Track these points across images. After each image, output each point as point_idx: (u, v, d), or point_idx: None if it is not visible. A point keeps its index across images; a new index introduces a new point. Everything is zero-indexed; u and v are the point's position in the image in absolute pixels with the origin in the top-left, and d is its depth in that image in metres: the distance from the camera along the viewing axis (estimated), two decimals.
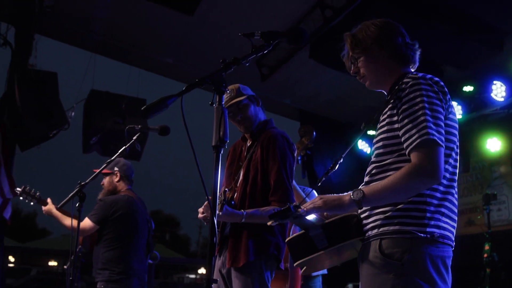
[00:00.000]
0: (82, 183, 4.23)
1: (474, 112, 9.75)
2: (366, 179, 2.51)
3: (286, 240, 2.60)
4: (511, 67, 9.02)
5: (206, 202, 3.27)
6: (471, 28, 8.29)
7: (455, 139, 2.46)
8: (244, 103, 3.67)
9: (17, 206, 50.43)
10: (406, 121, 2.33)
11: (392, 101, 2.45)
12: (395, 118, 2.41)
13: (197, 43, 10.19)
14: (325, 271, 5.09)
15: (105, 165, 4.39)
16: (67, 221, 4.98)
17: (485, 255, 7.96)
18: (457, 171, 2.49)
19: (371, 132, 2.63)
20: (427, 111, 2.29)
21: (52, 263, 36.14)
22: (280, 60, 10.17)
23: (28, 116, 8.19)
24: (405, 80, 2.42)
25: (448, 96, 2.44)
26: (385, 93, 2.63)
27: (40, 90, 8.38)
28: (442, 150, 2.28)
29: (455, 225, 2.44)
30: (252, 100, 3.74)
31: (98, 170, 4.34)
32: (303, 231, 2.48)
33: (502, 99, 9.07)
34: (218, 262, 3.59)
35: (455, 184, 2.46)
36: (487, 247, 8.00)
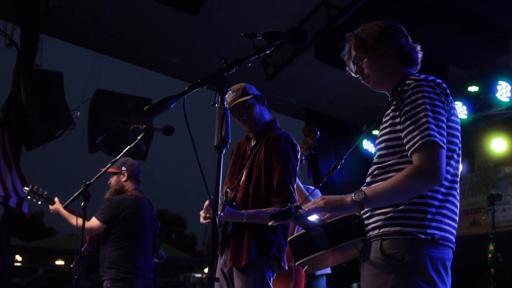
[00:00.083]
0: (87, 183, 4.27)
1: (479, 112, 9.73)
2: (368, 180, 2.52)
3: (288, 240, 2.61)
4: None
5: (207, 202, 3.29)
6: (476, 28, 8.27)
7: (457, 141, 2.47)
8: (250, 102, 3.68)
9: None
10: (408, 122, 2.34)
11: (394, 102, 2.46)
12: (398, 120, 2.42)
13: (202, 43, 10.21)
14: (329, 271, 5.10)
15: (109, 164, 4.42)
16: (75, 220, 5.01)
17: (490, 256, 7.94)
18: (459, 172, 2.49)
19: (376, 132, 2.63)
20: (429, 113, 2.30)
21: (59, 262, 36.23)
22: (285, 60, 10.17)
23: (34, 116, 8.23)
24: (408, 81, 2.43)
25: (451, 97, 2.44)
26: (388, 94, 2.63)
27: (46, 90, 8.41)
28: (444, 151, 2.28)
29: (456, 226, 2.45)
30: (257, 100, 3.74)
31: (103, 170, 4.38)
32: (304, 230, 2.50)
33: (507, 100, 9.03)
34: (220, 261, 3.60)
35: (457, 186, 2.47)
36: (491, 247, 7.99)
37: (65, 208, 5.03)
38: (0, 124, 8.72)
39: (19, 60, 9.14)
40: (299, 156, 3.69)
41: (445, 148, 2.30)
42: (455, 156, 2.45)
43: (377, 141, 2.55)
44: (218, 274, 3.60)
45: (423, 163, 2.25)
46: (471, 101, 9.50)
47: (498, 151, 10.00)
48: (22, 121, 8.49)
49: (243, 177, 3.65)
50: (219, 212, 3.15)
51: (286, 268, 3.62)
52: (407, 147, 2.33)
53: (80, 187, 4.27)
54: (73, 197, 4.36)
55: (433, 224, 2.31)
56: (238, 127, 3.86)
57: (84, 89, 10.06)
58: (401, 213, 2.33)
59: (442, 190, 2.38)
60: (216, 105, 2.28)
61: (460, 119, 7.93)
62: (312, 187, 5.01)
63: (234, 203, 3.46)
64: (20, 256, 34.93)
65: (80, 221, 4.65)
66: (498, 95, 9.04)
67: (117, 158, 4.38)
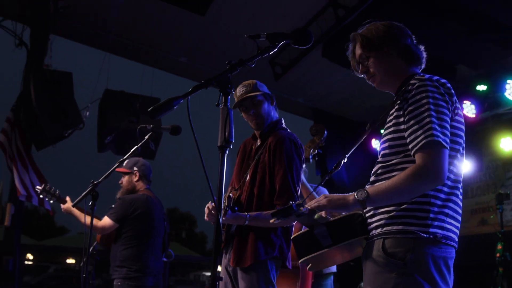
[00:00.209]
0: (95, 182, 4.30)
1: (487, 112, 9.70)
2: (372, 178, 2.53)
3: (292, 238, 2.62)
4: None
5: (210, 203, 3.31)
6: (484, 28, 8.25)
7: (461, 141, 2.47)
8: (259, 99, 3.70)
9: (35, 205, 50.84)
10: (411, 122, 2.35)
11: (398, 102, 2.47)
12: (402, 119, 2.42)
13: (210, 43, 10.25)
14: (334, 269, 5.11)
15: (117, 164, 4.44)
16: (87, 219, 5.06)
17: (498, 255, 7.90)
18: (462, 172, 2.50)
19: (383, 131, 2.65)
20: (433, 113, 2.31)
21: (70, 260, 36.39)
22: (293, 59, 10.18)
23: (44, 115, 8.28)
24: (412, 81, 2.43)
25: (455, 97, 2.44)
26: (393, 94, 2.64)
27: (55, 90, 8.46)
28: (447, 151, 2.29)
29: (459, 225, 2.45)
30: (266, 98, 3.76)
31: (111, 169, 4.41)
32: (308, 228, 2.52)
33: None
34: (224, 260, 3.63)
35: (460, 186, 2.47)
36: (499, 246, 7.94)
37: (75, 207, 5.07)
38: (10, 124, 8.78)
39: (29, 60, 9.21)
40: (303, 157, 3.70)
41: (448, 148, 2.30)
42: (459, 156, 2.45)
43: (381, 140, 2.57)
44: (222, 272, 3.63)
45: (425, 163, 2.25)
46: (480, 100, 9.47)
47: (506, 150, 9.92)
48: (32, 121, 8.55)
49: (248, 178, 3.66)
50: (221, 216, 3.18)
51: (290, 267, 3.63)
52: (410, 146, 2.34)
53: (88, 186, 4.31)
54: (81, 196, 4.40)
55: (436, 223, 2.32)
56: (243, 127, 3.89)
57: (93, 89, 10.13)
58: (404, 212, 2.34)
59: (445, 189, 2.38)
60: (220, 105, 2.30)
61: (469, 118, 7.89)
62: (320, 187, 5.02)
63: (236, 208, 3.46)
64: (32, 254, 35.11)
65: (89, 220, 4.72)
66: (506, 94, 9.00)
67: (124, 157, 4.41)
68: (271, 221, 2.37)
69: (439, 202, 2.35)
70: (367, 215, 2.49)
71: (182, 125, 4.09)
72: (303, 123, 12.19)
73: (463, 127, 2.50)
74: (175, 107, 2.24)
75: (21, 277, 10.50)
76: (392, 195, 2.33)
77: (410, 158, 2.35)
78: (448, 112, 2.37)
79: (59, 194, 5.22)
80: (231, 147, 2.29)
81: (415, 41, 2.66)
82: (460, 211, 2.47)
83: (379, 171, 2.50)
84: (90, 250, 5.33)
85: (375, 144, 10.62)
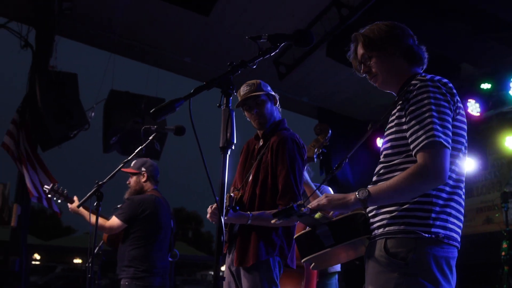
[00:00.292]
0: (100, 183, 4.33)
1: (492, 110, 9.68)
2: (374, 178, 2.53)
3: (294, 237, 2.64)
4: None
5: (214, 205, 3.33)
6: (487, 26, 8.23)
7: (463, 140, 2.48)
8: (262, 98, 3.72)
9: (42, 205, 50.96)
10: (413, 122, 2.36)
11: (400, 102, 2.48)
12: (403, 120, 2.43)
13: (214, 43, 10.27)
14: (339, 268, 5.12)
15: (122, 164, 4.47)
16: (93, 219, 5.08)
17: (503, 253, 7.89)
18: (465, 171, 2.50)
19: None
20: (434, 113, 2.32)
21: (77, 260, 36.47)
22: (297, 59, 10.19)
23: (49, 116, 8.31)
24: (413, 82, 2.44)
25: (457, 97, 2.45)
26: (394, 94, 2.65)
27: (61, 91, 8.50)
28: (448, 152, 2.29)
29: (461, 225, 2.45)
30: (270, 98, 3.78)
31: (115, 170, 4.44)
32: (310, 228, 2.53)
33: None
34: (227, 260, 3.65)
35: (462, 185, 2.47)
36: (505, 245, 7.93)
37: (82, 207, 5.09)
38: (16, 125, 8.82)
39: (34, 62, 9.23)
40: (305, 157, 3.71)
41: (450, 148, 2.31)
42: (461, 155, 2.46)
43: (383, 140, 2.57)
44: (226, 272, 3.66)
45: (426, 163, 2.26)
46: (484, 99, 9.45)
47: (511, 149, 9.92)
48: (37, 122, 8.58)
49: (250, 178, 3.68)
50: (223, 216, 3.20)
51: (294, 267, 3.65)
52: (412, 146, 2.34)
53: (93, 187, 4.34)
54: (86, 197, 4.43)
55: (438, 223, 2.32)
56: (246, 127, 3.90)
57: (98, 90, 10.15)
58: (406, 212, 2.35)
59: (447, 189, 2.39)
60: (222, 107, 2.31)
61: (473, 116, 7.87)
62: (325, 186, 5.03)
63: (238, 208, 3.48)
64: (39, 254, 35.22)
65: (100, 219, 4.78)
66: (511, 92, 8.98)
67: (129, 158, 4.43)
68: (273, 221, 2.38)
69: (441, 202, 2.36)
70: (370, 215, 2.49)
71: (187, 125, 4.11)
72: (308, 122, 12.19)
73: (465, 127, 2.50)
74: (177, 109, 2.26)
75: (27, 277, 10.55)
76: (393, 194, 2.34)
77: (412, 158, 2.35)
78: (449, 112, 2.38)
79: (67, 194, 5.24)
80: (233, 148, 2.31)
81: (417, 41, 2.66)
82: (463, 211, 2.46)
83: (381, 171, 2.51)
84: (96, 250, 5.36)
85: (380, 143, 10.59)
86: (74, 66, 10.47)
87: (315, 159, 4.89)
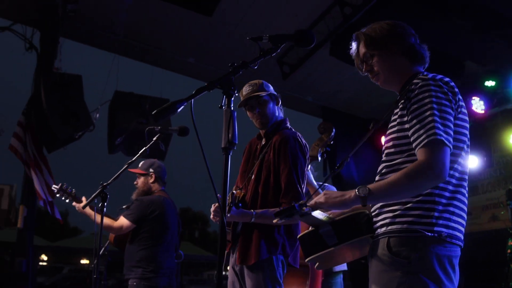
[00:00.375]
0: (104, 184, 4.34)
1: (496, 107, 9.66)
2: (377, 178, 2.54)
3: (298, 237, 2.64)
4: None
5: (216, 204, 3.35)
6: (491, 23, 8.22)
7: (465, 139, 2.47)
8: (265, 98, 3.75)
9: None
10: (414, 121, 2.36)
11: (402, 101, 2.49)
12: (405, 119, 2.44)
13: (217, 43, 10.28)
14: (345, 267, 5.12)
15: (126, 165, 4.47)
16: (98, 219, 5.10)
17: (509, 251, 7.89)
18: (468, 170, 2.50)
19: None
20: (436, 112, 2.32)
21: (84, 261, 36.58)
22: (301, 58, 10.19)
23: (54, 118, 8.34)
24: (415, 80, 2.45)
25: (459, 96, 2.45)
26: (397, 93, 2.65)
27: (65, 93, 8.52)
28: (448, 150, 2.29)
29: (465, 224, 2.45)
30: (272, 98, 3.81)
31: (120, 171, 4.45)
32: (313, 228, 2.54)
33: None
34: (231, 259, 3.66)
35: (465, 183, 2.47)
36: (510, 242, 7.92)
37: (90, 207, 5.10)
38: (22, 127, 8.86)
39: (39, 64, 9.27)
40: (308, 156, 3.72)
41: (451, 147, 2.31)
42: (463, 154, 2.46)
43: (385, 139, 2.58)
44: (229, 272, 3.67)
45: (427, 160, 2.26)
46: (489, 96, 9.45)
47: None
48: (43, 124, 8.62)
49: (253, 177, 3.70)
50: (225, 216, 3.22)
51: (297, 266, 3.66)
52: (413, 145, 2.35)
53: (98, 188, 4.36)
54: (91, 198, 4.45)
55: (440, 221, 2.32)
56: (249, 127, 3.92)
57: (103, 91, 10.18)
58: (409, 210, 2.35)
59: (450, 188, 2.39)
60: (224, 107, 2.33)
61: (478, 114, 7.87)
62: (329, 185, 5.03)
63: (240, 204, 3.50)
64: (46, 255, 35.34)
65: (108, 219, 4.90)
66: None
67: (133, 159, 4.44)
68: (274, 221, 2.38)
69: (444, 201, 2.36)
70: (373, 214, 2.50)
71: (192, 125, 4.11)
72: (312, 121, 12.18)
73: (467, 125, 2.50)
74: (179, 110, 2.27)
75: (34, 278, 10.58)
76: (393, 191, 2.33)
77: (414, 157, 2.35)
78: (451, 111, 2.38)
79: (75, 194, 5.26)
80: (235, 148, 2.32)
81: (418, 40, 2.66)
82: (466, 209, 2.46)
83: (383, 171, 2.52)
84: (102, 251, 5.38)
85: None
86: (78, 67, 10.50)
87: (319, 158, 4.88)
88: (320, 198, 2.41)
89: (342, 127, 10.74)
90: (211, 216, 3.45)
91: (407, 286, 2.29)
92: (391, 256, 2.34)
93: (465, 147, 2.47)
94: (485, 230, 10.42)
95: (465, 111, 2.51)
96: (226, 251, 3.71)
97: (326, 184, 4.96)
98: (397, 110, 2.52)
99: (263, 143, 3.82)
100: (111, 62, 10.31)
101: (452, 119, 2.37)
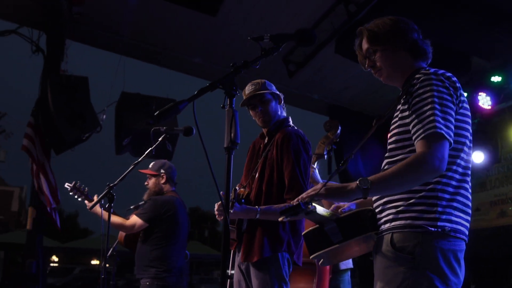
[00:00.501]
0: (111, 185, 4.37)
1: (503, 103, 9.62)
2: None
3: (303, 234, 2.65)
4: None
5: (219, 203, 3.36)
6: (497, 19, 8.18)
7: (468, 134, 2.47)
8: (267, 97, 3.77)
9: (59, 207, 51.50)
10: (415, 115, 2.37)
11: (404, 97, 2.49)
12: (406, 113, 2.44)
13: (222, 43, 10.29)
14: (351, 265, 5.12)
15: (132, 166, 4.49)
16: (112, 218, 5.13)
17: None
18: (471, 165, 2.50)
19: None
20: (436, 105, 2.32)
21: (95, 262, 36.76)
22: (306, 57, 10.18)
23: (61, 120, 8.36)
24: (417, 75, 2.45)
25: (460, 91, 2.45)
26: (400, 88, 2.65)
27: (72, 95, 8.55)
28: (447, 143, 2.30)
29: (469, 218, 2.45)
30: (274, 97, 3.83)
31: (126, 171, 4.47)
32: (317, 225, 2.54)
33: None
34: (237, 258, 3.68)
35: (469, 179, 2.47)
36: None
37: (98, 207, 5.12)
38: (33, 128, 8.90)
39: (46, 66, 9.31)
40: (310, 153, 3.74)
41: (451, 141, 2.31)
42: (466, 149, 2.46)
43: (388, 135, 2.58)
44: (235, 270, 3.69)
45: (425, 152, 2.26)
46: (495, 92, 9.40)
47: None
48: (50, 126, 8.65)
49: (256, 175, 3.72)
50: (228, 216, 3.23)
51: (300, 264, 3.67)
52: (413, 137, 2.35)
53: (105, 189, 4.38)
54: (98, 199, 4.48)
55: (444, 216, 2.33)
56: (251, 127, 3.94)
57: (109, 92, 10.20)
58: (411, 206, 2.36)
59: (453, 183, 2.39)
60: (226, 107, 2.34)
61: (485, 109, 7.86)
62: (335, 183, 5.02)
63: (243, 200, 3.52)
64: (57, 256, 35.55)
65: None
66: None
67: (139, 160, 4.46)
68: (280, 219, 2.37)
69: (447, 196, 2.36)
70: (376, 210, 2.51)
71: (201, 124, 4.14)
72: (319, 119, 12.15)
73: (470, 121, 2.50)
74: (181, 111, 2.28)
75: (45, 280, 10.64)
76: (394, 183, 2.33)
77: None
78: (452, 106, 2.38)
79: (87, 193, 5.29)
80: (237, 148, 2.33)
81: (421, 36, 2.66)
82: (470, 204, 2.46)
83: (385, 167, 2.53)
84: (110, 251, 5.41)
85: None
86: (84, 69, 10.54)
87: (325, 156, 4.89)
88: (320, 190, 2.38)
89: (349, 124, 10.69)
90: (216, 215, 3.46)
91: (412, 281, 2.29)
92: (395, 252, 2.34)
93: (467, 142, 2.47)
94: (493, 226, 10.39)
95: (467, 106, 2.51)
96: (231, 250, 3.73)
97: (332, 182, 4.95)
98: (399, 105, 2.53)
99: (265, 141, 3.84)
100: (117, 63, 10.33)
101: (453, 113, 2.38)
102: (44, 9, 9.25)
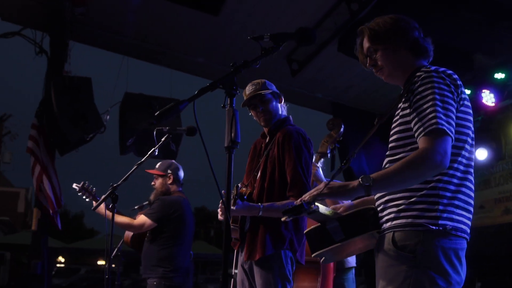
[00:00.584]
0: (114, 185, 4.37)
1: (507, 100, 9.59)
2: None
3: (305, 232, 2.66)
4: None
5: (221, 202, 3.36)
6: (500, 16, 8.16)
7: (469, 131, 2.47)
8: (268, 97, 3.77)
9: (65, 208, 51.72)
10: (416, 113, 2.36)
11: (405, 95, 2.49)
12: (408, 111, 2.44)
13: (225, 42, 10.31)
14: (355, 263, 5.11)
15: (135, 166, 4.49)
16: (118, 218, 5.15)
17: None
18: (473, 163, 2.49)
19: None
20: (438, 102, 2.32)
21: (101, 262, 36.77)
22: (309, 55, 10.18)
23: (65, 121, 8.39)
24: (418, 73, 2.45)
25: (461, 89, 2.45)
26: (401, 87, 2.64)
27: (75, 96, 8.57)
28: (450, 140, 2.30)
29: (471, 216, 2.45)
30: (275, 96, 3.83)
31: (129, 172, 4.47)
32: (319, 223, 2.55)
33: None
34: (240, 258, 3.68)
35: (471, 177, 2.47)
36: None
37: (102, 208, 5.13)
38: (36, 129, 8.92)
39: (49, 67, 9.34)
40: (312, 151, 3.74)
41: (453, 137, 2.31)
42: (467, 146, 2.45)
43: (390, 133, 2.58)
44: (238, 270, 3.69)
45: (427, 148, 2.26)
46: (499, 89, 9.38)
47: None
48: (54, 127, 8.68)
49: (258, 174, 3.72)
50: (231, 207, 3.25)
51: (303, 262, 3.67)
52: (415, 134, 2.35)
53: (108, 189, 4.38)
54: (101, 199, 4.48)
55: (445, 215, 2.32)
56: (252, 128, 3.94)
57: (113, 93, 10.22)
58: (413, 205, 2.36)
59: (455, 180, 2.39)
60: (226, 107, 2.35)
61: (488, 106, 7.85)
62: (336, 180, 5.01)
63: (246, 197, 3.52)
64: (63, 257, 35.60)
65: (127, 218, 4.95)
66: None
67: (142, 160, 4.46)
68: (282, 219, 2.37)
69: (448, 194, 2.36)
70: (378, 209, 2.51)
71: (207, 123, 4.15)
72: (322, 118, 12.16)
73: (471, 118, 2.50)
74: (181, 111, 2.29)
75: (50, 280, 10.68)
76: (396, 180, 2.33)
77: None
78: (453, 103, 2.38)
79: (95, 194, 5.30)
80: (238, 147, 2.34)
81: (422, 34, 2.65)
82: (472, 202, 2.46)
83: (387, 166, 2.52)
84: (115, 251, 5.42)
85: None
86: (88, 70, 10.56)
87: (329, 155, 4.88)
88: (322, 189, 2.38)
89: (353, 123, 10.72)
90: (219, 215, 3.47)
91: (413, 280, 2.29)
92: (397, 250, 2.34)
93: (469, 139, 2.47)
94: (498, 223, 10.37)
95: (469, 104, 2.50)
96: (235, 250, 3.74)
97: (335, 180, 4.95)
98: (401, 104, 2.53)
99: (267, 141, 3.84)
100: (121, 64, 10.37)
101: (454, 110, 2.37)
102: (47, 11, 9.29)
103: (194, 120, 2.34)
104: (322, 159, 4.80)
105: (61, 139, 8.73)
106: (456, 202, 2.37)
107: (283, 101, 3.89)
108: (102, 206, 5.13)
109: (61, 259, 36.21)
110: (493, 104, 9.30)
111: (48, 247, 9.56)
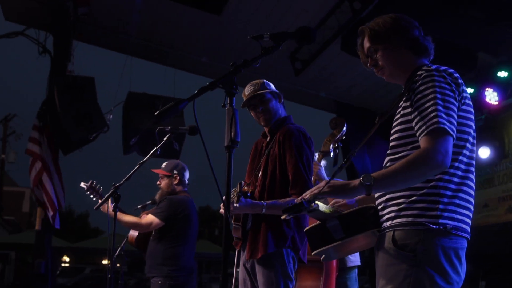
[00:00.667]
0: (117, 185, 4.38)
1: (510, 98, 9.55)
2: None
3: (305, 230, 2.65)
4: None
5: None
6: (503, 14, 8.13)
7: (471, 130, 2.47)
8: (267, 97, 3.78)
9: (69, 207, 51.87)
10: (418, 111, 2.36)
11: (406, 93, 2.49)
12: (409, 110, 2.44)
13: (228, 41, 10.32)
14: (358, 262, 5.11)
15: (137, 166, 4.50)
16: (124, 217, 5.15)
17: None
18: (474, 162, 2.49)
19: None
20: (439, 101, 2.32)
21: (105, 261, 36.79)
22: (312, 54, 10.17)
23: (68, 121, 8.41)
24: (419, 72, 2.45)
25: (463, 87, 2.44)
26: (402, 86, 2.64)
27: (79, 95, 8.59)
28: (451, 139, 2.29)
29: (471, 216, 2.44)
30: (274, 96, 3.84)
31: (131, 171, 4.48)
32: (319, 222, 2.55)
33: None
34: (242, 257, 3.69)
35: (472, 176, 2.46)
36: None
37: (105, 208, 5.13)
38: (38, 130, 8.94)
39: (53, 67, 9.36)
40: (313, 149, 3.75)
41: (454, 136, 2.30)
42: (468, 145, 2.45)
43: (391, 132, 2.58)
44: (240, 270, 3.70)
45: (429, 148, 2.26)
46: (502, 87, 9.34)
47: None
48: (58, 127, 8.70)
49: (260, 173, 3.73)
50: (234, 204, 3.26)
51: (305, 261, 3.67)
52: (417, 134, 2.35)
53: (110, 189, 4.40)
54: (103, 199, 4.49)
55: (446, 214, 2.32)
56: (252, 128, 3.95)
57: (116, 92, 10.24)
58: (413, 204, 2.36)
59: (455, 179, 2.38)
60: (226, 107, 2.35)
61: (492, 105, 7.83)
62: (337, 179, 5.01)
63: (249, 194, 3.53)
64: (67, 256, 35.67)
65: (134, 217, 4.99)
66: None
67: (144, 159, 4.47)
68: (282, 217, 2.37)
69: (449, 193, 2.35)
70: (379, 207, 2.50)
71: (207, 122, 4.16)
72: (326, 116, 12.15)
73: (472, 117, 2.49)
74: (181, 110, 2.30)
75: (54, 280, 10.71)
76: (397, 179, 2.33)
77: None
78: (454, 102, 2.37)
79: (102, 193, 5.31)
80: (238, 147, 2.34)
81: (423, 33, 2.65)
82: (473, 201, 2.45)
83: (388, 164, 2.52)
84: (118, 250, 5.43)
85: None
86: (91, 70, 10.57)
87: (331, 154, 4.87)
88: (323, 188, 2.38)
89: (356, 122, 10.71)
90: (221, 210, 3.48)
91: (413, 279, 2.29)
92: (397, 249, 2.34)
93: (470, 138, 2.47)
94: (502, 222, 10.33)
95: (470, 102, 2.50)
96: (236, 249, 3.75)
97: (336, 179, 4.94)
98: (402, 102, 2.53)
99: (268, 140, 3.85)
100: (124, 63, 10.36)
101: (455, 109, 2.37)
102: (50, 11, 9.30)
103: (194, 119, 2.34)
104: (324, 158, 4.80)
105: (65, 138, 8.76)
106: (457, 201, 2.37)
107: (282, 100, 3.90)
108: (106, 205, 5.16)
109: (66, 258, 36.28)
110: (496, 103, 9.27)
111: (52, 247, 9.59)
